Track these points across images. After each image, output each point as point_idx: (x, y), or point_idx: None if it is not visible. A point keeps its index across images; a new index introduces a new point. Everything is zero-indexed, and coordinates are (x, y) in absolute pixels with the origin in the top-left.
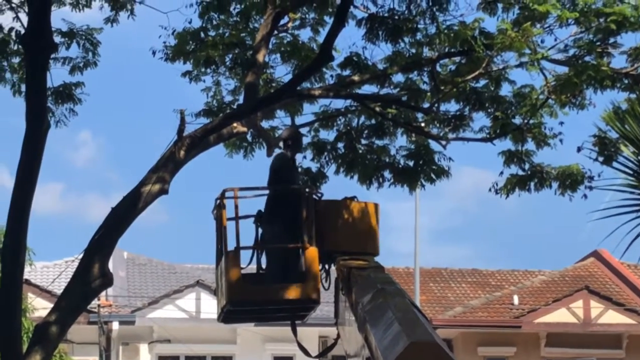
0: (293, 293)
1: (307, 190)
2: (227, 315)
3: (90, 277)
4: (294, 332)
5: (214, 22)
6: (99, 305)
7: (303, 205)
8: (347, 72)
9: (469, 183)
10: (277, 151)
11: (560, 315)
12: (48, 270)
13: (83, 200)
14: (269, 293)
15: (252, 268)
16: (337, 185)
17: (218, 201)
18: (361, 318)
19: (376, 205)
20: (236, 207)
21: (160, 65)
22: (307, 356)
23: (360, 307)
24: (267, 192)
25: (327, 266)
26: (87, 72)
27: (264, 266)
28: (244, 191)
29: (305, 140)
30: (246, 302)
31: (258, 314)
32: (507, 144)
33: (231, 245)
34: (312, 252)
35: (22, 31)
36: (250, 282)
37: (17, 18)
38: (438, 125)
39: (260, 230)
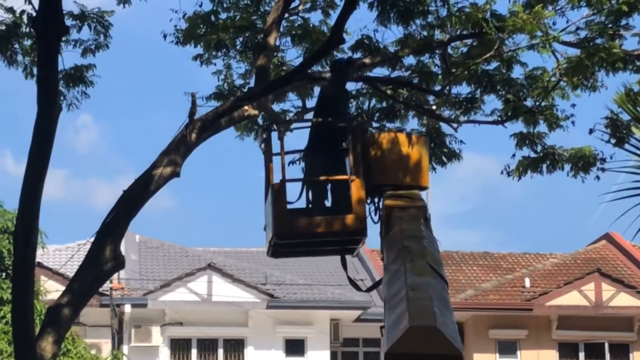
0: (338, 225)
1: (355, 122)
2: (275, 249)
3: (102, 260)
4: (344, 266)
5: (225, 5)
6: (111, 288)
7: (350, 137)
8: (358, 55)
9: (470, 169)
10: None
11: (571, 298)
12: (60, 253)
13: (88, 185)
14: (314, 225)
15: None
16: None
17: (265, 135)
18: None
19: (425, 139)
20: (281, 140)
21: (166, 51)
22: (357, 289)
23: (385, 265)
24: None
25: (375, 199)
26: (95, 54)
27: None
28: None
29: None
30: (292, 234)
31: (306, 247)
32: (518, 126)
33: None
34: (359, 184)
35: (34, 14)
36: (299, 216)
37: (29, 1)
38: (449, 108)
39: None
